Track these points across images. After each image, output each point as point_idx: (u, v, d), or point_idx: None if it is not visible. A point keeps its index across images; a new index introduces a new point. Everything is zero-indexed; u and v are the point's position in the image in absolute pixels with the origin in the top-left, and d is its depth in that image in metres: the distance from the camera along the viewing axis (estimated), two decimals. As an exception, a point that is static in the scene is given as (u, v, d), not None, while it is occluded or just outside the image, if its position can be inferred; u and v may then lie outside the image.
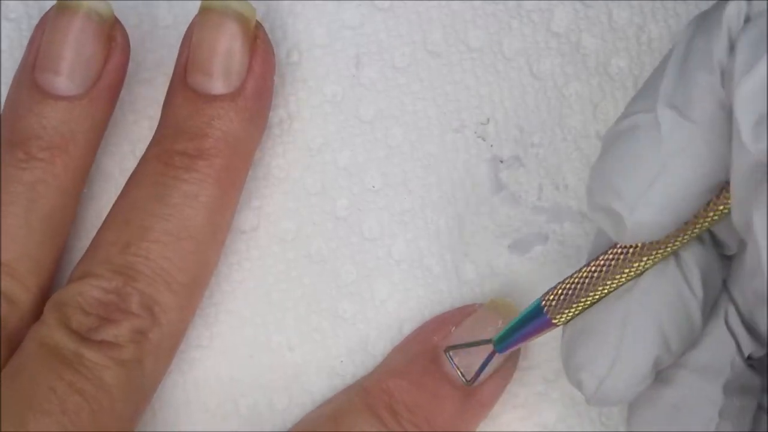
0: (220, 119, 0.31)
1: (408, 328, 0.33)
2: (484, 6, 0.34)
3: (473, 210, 0.34)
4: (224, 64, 0.31)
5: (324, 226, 0.34)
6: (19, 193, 0.31)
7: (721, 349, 0.28)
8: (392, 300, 0.34)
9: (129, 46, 0.32)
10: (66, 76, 0.31)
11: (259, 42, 0.32)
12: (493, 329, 0.31)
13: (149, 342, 0.30)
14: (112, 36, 0.32)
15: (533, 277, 0.33)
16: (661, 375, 0.28)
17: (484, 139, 0.34)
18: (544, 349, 0.33)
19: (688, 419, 0.28)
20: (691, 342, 0.28)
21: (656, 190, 0.25)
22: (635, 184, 0.26)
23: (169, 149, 0.31)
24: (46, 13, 0.32)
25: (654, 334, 0.27)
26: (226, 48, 0.31)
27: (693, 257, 0.28)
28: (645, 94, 0.26)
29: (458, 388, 0.31)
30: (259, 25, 0.32)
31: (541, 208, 0.33)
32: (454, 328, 0.32)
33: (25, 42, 0.32)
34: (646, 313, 0.27)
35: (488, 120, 0.34)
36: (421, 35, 0.34)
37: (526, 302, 0.32)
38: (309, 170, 0.34)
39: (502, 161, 0.34)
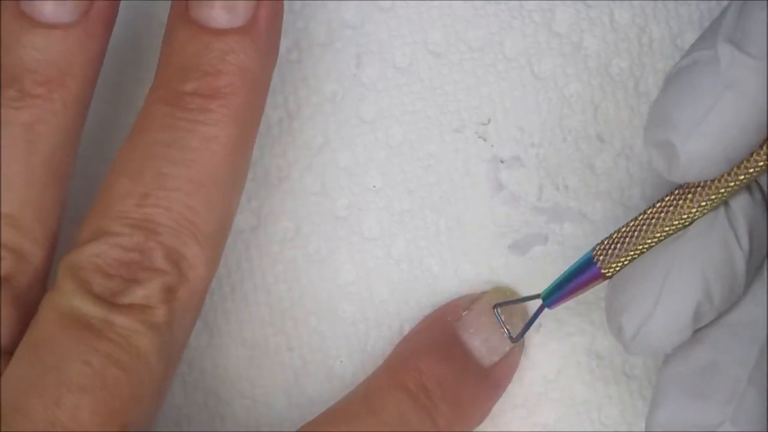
0: (234, 54, 0.28)
1: (408, 328, 0.33)
2: (485, 6, 0.34)
3: (473, 210, 0.34)
4: None
5: (323, 226, 0.34)
6: (15, 136, 0.28)
7: (760, 312, 0.28)
8: (392, 300, 0.34)
9: None
10: (55, 1, 0.28)
11: None
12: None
13: (178, 301, 0.28)
14: None
15: (533, 277, 0.33)
16: (697, 334, 0.28)
17: (484, 140, 0.34)
18: (544, 349, 0.33)
19: (715, 379, 0.27)
20: (733, 298, 0.28)
21: (711, 121, 0.26)
22: (690, 115, 0.26)
23: (177, 90, 0.28)
24: None
25: (697, 280, 0.27)
26: None
27: (742, 209, 0.28)
28: (707, 35, 0.27)
29: (480, 367, 0.31)
30: None
31: (541, 209, 0.33)
32: (465, 312, 0.32)
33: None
34: (691, 259, 0.27)
35: (488, 120, 0.34)
36: (422, 35, 0.34)
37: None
38: (309, 170, 0.34)
39: (502, 161, 0.34)
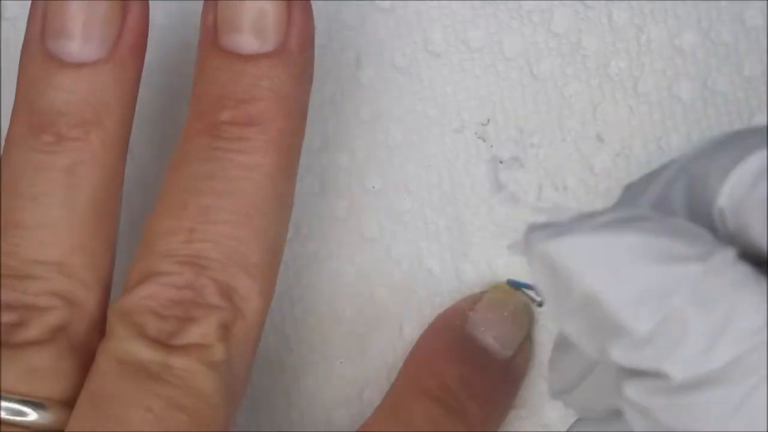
0: (268, 79, 0.28)
1: (408, 329, 0.33)
2: (485, 6, 0.34)
3: (473, 210, 0.34)
4: (261, 17, 0.28)
5: (323, 227, 0.34)
6: (56, 181, 0.27)
7: None
8: (392, 300, 0.34)
9: None
10: (81, 39, 0.27)
11: None
12: (504, 311, 0.32)
13: (235, 336, 0.27)
14: None
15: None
16: None
17: (484, 140, 0.34)
18: (544, 348, 0.33)
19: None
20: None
21: None
22: None
23: (214, 121, 0.27)
24: None
25: None
26: None
27: None
28: None
29: (498, 362, 0.31)
30: None
31: (540, 209, 0.34)
32: (471, 312, 0.32)
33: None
34: None
35: (488, 120, 0.34)
36: (421, 35, 0.34)
37: (524, 302, 0.32)
38: (308, 171, 0.34)
39: (501, 162, 0.34)
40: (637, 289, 0.20)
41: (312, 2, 0.34)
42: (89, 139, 0.28)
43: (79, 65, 0.28)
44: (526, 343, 0.32)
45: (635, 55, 0.33)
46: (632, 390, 0.21)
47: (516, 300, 0.32)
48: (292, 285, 0.33)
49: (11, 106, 0.29)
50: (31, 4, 0.28)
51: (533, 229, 0.21)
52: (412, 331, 0.33)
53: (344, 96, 0.34)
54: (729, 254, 0.20)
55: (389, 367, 0.33)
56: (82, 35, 0.27)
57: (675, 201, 0.22)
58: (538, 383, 0.33)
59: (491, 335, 0.32)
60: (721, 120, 0.33)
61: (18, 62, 0.29)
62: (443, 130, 0.34)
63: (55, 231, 0.27)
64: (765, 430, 0.20)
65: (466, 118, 0.34)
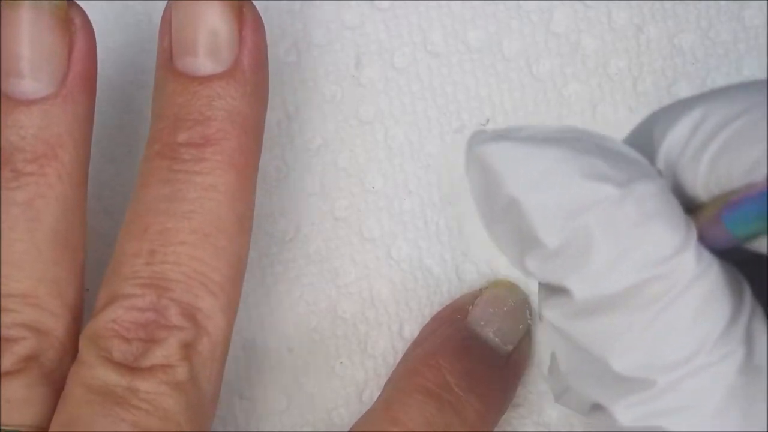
0: (221, 99, 0.28)
1: (408, 329, 0.33)
2: (484, 6, 0.34)
3: (473, 210, 0.33)
4: (213, 39, 0.28)
5: (323, 227, 0.34)
6: (16, 216, 0.28)
7: None
8: (392, 300, 0.34)
9: (91, 26, 0.29)
10: (30, 77, 0.28)
11: (246, 10, 0.29)
12: (504, 306, 0.32)
13: (199, 355, 0.27)
14: (70, 20, 0.29)
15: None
16: None
17: (483, 140, 0.34)
18: (544, 347, 0.33)
19: None
20: None
21: None
22: None
23: (171, 143, 0.28)
24: None
25: None
26: (213, 22, 0.28)
27: None
28: None
29: (498, 356, 0.32)
30: None
31: (540, 208, 0.34)
32: (471, 307, 0.32)
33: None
34: None
35: (488, 120, 0.34)
36: (421, 35, 0.34)
37: (524, 302, 0.32)
38: (308, 171, 0.34)
39: (501, 161, 0.34)
40: (553, 200, 0.20)
41: (311, 2, 0.34)
42: (45, 173, 0.28)
43: (30, 102, 0.28)
44: (526, 338, 0.32)
45: (634, 54, 0.33)
46: (550, 313, 0.22)
47: (516, 295, 0.32)
48: (292, 285, 0.33)
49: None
50: None
51: (476, 134, 0.22)
52: (412, 331, 0.33)
53: (343, 96, 0.34)
54: (654, 186, 0.21)
55: (389, 367, 0.33)
56: (30, 73, 0.28)
57: None
58: (537, 382, 0.33)
59: (491, 330, 0.32)
60: (720, 119, 0.33)
61: None
62: (443, 130, 0.34)
63: (19, 264, 0.28)
64: (668, 357, 0.20)
65: (465, 118, 0.34)
